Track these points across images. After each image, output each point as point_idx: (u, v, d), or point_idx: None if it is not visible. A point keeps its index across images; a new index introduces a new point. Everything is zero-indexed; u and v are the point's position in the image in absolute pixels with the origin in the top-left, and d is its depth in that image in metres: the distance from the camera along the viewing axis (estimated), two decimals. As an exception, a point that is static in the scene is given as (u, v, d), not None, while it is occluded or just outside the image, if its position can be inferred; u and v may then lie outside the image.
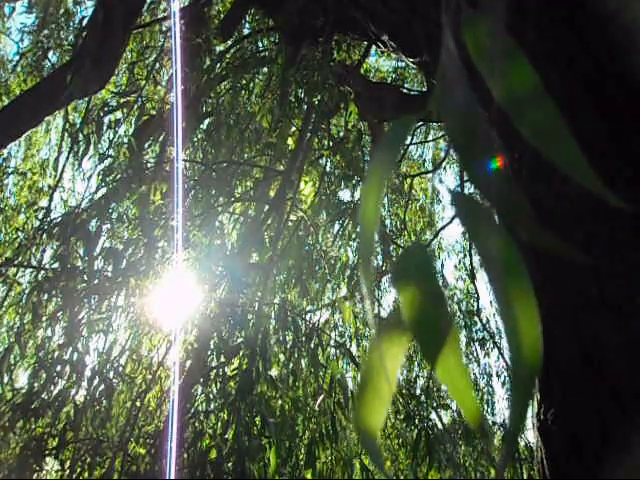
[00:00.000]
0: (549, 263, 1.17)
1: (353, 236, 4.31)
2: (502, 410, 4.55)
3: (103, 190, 3.18)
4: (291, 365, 2.96)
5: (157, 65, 3.81)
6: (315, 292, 3.72)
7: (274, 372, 2.77)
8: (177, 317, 2.84)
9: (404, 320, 0.35)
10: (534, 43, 1.26)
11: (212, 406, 2.77)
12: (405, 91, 4.28)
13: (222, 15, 3.79)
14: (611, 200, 0.34)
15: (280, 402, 2.73)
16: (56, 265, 2.89)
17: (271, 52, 3.60)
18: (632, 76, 1.06)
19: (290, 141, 3.48)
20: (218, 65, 3.50)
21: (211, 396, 2.76)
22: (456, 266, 5.15)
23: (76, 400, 2.70)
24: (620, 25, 1.07)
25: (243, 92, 3.66)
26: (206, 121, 3.52)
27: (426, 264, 0.37)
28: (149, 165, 3.33)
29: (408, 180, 4.95)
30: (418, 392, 4.19)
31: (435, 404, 4.13)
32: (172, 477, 2.23)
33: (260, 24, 3.85)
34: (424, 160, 5.36)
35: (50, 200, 3.65)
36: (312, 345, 2.87)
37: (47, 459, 2.65)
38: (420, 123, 4.76)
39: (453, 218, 4.96)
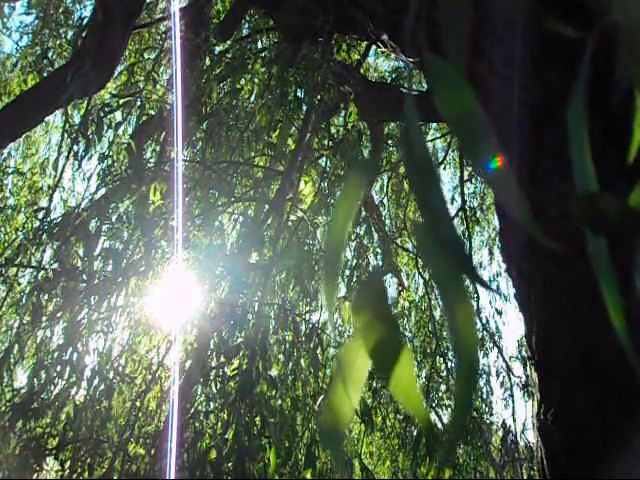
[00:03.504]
0: (550, 264, 1.17)
1: (353, 236, 4.31)
2: (501, 410, 4.55)
3: (103, 190, 3.18)
4: (291, 365, 2.96)
5: (157, 65, 3.81)
6: (315, 292, 3.72)
7: (274, 372, 2.77)
8: (177, 317, 2.84)
9: (362, 343, 0.41)
10: (534, 44, 1.26)
11: (212, 406, 2.77)
12: (405, 91, 4.28)
13: (222, 15, 3.79)
14: (542, 240, 0.37)
15: (280, 402, 2.73)
16: (56, 265, 2.89)
17: (271, 52, 3.60)
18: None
19: (290, 141, 3.48)
20: (218, 65, 3.50)
21: (211, 396, 2.76)
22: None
23: (76, 400, 2.70)
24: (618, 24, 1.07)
25: (243, 92, 3.66)
26: (206, 121, 3.52)
27: (381, 293, 0.42)
28: (149, 165, 3.33)
29: (408, 180, 4.94)
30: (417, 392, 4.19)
31: (435, 404, 4.13)
32: (172, 477, 2.23)
33: (260, 24, 3.85)
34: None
35: (50, 200, 3.64)
36: (312, 345, 2.87)
37: (47, 459, 2.65)
38: (419, 123, 4.76)
39: (453, 218, 4.96)
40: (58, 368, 2.64)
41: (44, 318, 2.82)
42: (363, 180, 0.45)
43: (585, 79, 0.41)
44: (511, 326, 5.14)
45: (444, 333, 4.70)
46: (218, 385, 2.70)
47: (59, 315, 2.85)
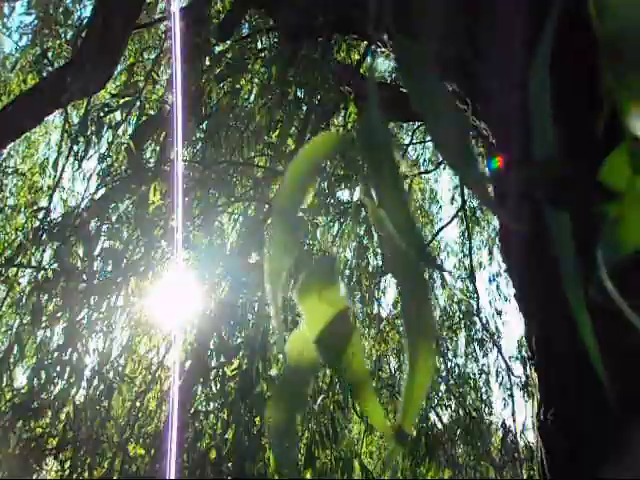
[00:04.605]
0: (548, 263, 1.17)
1: (352, 236, 4.31)
2: (501, 410, 4.56)
3: (103, 190, 3.18)
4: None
5: (157, 65, 3.81)
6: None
7: (274, 372, 2.77)
8: (177, 317, 2.84)
9: (308, 332, 0.38)
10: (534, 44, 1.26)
11: (212, 406, 2.77)
12: (404, 91, 4.27)
13: (222, 15, 3.79)
14: (502, 216, 0.36)
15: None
16: (56, 265, 2.89)
17: (271, 52, 3.60)
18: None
19: (290, 141, 3.48)
20: (218, 65, 3.50)
21: (211, 396, 2.76)
22: (456, 266, 5.15)
23: (76, 400, 2.70)
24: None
25: (243, 92, 3.66)
26: (206, 121, 3.52)
27: (331, 275, 0.39)
28: (149, 165, 3.33)
29: (407, 180, 4.95)
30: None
31: (435, 404, 4.13)
32: (172, 477, 2.23)
33: (260, 24, 3.85)
34: (423, 160, 5.36)
35: (50, 200, 3.64)
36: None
37: (47, 459, 2.65)
38: (419, 124, 4.76)
39: (453, 218, 4.96)
40: (58, 368, 2.64)
41: (44, 318, 2.82)
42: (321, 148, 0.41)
43: (550, 37, 0.39)
44: (511, 326, 5.14)
45: (444, 333, 4.70)
46: (218, 385, 2.70)
47: (59, 315, 2.85)
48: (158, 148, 3.62)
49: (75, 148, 3.27)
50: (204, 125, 3.57)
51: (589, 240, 0.36)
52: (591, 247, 0.34)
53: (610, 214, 0.33)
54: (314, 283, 0.39)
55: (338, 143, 0.40)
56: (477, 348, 4.65)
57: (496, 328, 4.76)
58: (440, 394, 4.28)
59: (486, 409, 4.50)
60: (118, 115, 3.54)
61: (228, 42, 3.70)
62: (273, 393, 0.40)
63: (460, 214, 4.78)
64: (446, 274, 5.02)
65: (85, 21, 3.49)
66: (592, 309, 0.37)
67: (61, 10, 4.11)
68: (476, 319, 4.73)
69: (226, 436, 2.49)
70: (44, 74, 3.89)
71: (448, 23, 1.24)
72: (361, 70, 3.86)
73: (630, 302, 0.32)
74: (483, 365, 4.62)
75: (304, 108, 3.40)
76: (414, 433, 3.41)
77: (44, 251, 3.18)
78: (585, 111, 0.95)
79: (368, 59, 3.49)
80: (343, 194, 3.94)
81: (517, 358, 4.52)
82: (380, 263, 4.39)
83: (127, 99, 3.36)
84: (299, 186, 0.40)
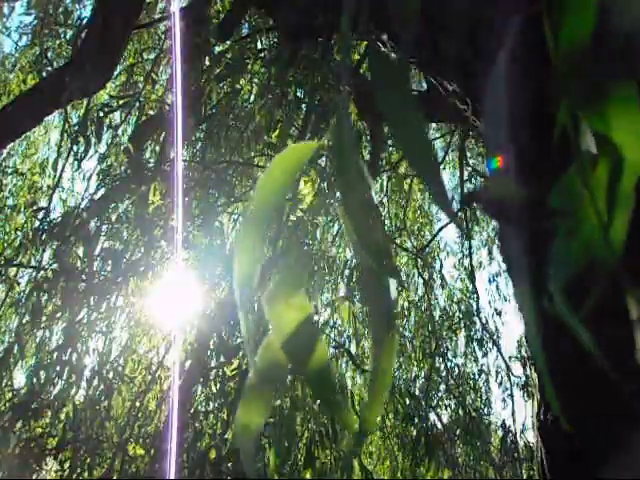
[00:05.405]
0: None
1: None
2: (501, 410, 4.55)
3: (103, 190, 3.18)
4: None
5: (156, 65, 3.81)
6: (314, 292, 3.71)
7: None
8: (177, 317, 2.84)
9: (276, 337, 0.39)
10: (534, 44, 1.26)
11: (212, 406, 2.77)
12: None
13: (222, 15, 3.79)
14: (451, 219, 0.37)
15: (280, 402, 2.73)
16: (56, 265, 2.89)
17: (271, 52, 3.59)
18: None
19: (290, 141, 3.48)
20: (218, 65, 3.50)
21: (211, 396, 2.76)
22: (455, 266, 5.15)
23: (76, 400, 2.70)
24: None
25: (242, 92, 3.66)
26: (206, 121, 3.52)
27: (298, 282, 0.39)
28: (149, 165, 3.33)
29: (407, 180, 4.95)
30: (417, 392, 4.19)
31: (434, 404, 4.13)
32: (172, 477, 2.23)
33: (260, 24, 3.85)
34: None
35: (50, 200, 3.64)
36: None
37: (47, 459, 2.65)
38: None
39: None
40: (58, 368, 2.64)
41: (44, 318, 2.82)
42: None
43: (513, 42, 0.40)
44: (511, 326, 5.15)
45: (444, 333, 4.70)
46: (218, 385, 2.70)
47: (59, 315, 2.85)
48: (158, 148, 3.62)
49: (75, 148, 3.27)
50: (204, 125, 3.56)
51: (542, 255, 0.36)
52: (544, 262, 0.35)
53: (562, 230, 0.33)
54: (282, 290, 0.39)
55: (312, 154, 0.41)
56: (477, 348, 4.66)
57: (496, 328, 4.76)
58: (440, 394, 4.28)
59: (486, 409, 4.50)
60: (118, 115, 3.55)
61: (228, 42, 3.70)
62: (242, 399, 0.40)
63: (460, 214, 4.77)
64: (446, 274, 5.03)
65: (85, 21, 3.48)
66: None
67: (61, 10, 4.11)
68: (476, 319, 4.73)
69: (226, 436, 2.49)
70: (44, 74, 3.89)
71: (448, 23, 1.24)
72: (361, 70, 3.86)
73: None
74: (483, 365, 4.62)
75: (304, 108, 3.40)
76: (414, 433, 3.41)
77: (44, 251, 3.18)
78: (541, 127, 0.95)
79: (362, 63, 3.48)
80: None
81: (517, 358, 4.52)
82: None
83: (127, 99, 3.36)
84: (271, 195, 0.41)
